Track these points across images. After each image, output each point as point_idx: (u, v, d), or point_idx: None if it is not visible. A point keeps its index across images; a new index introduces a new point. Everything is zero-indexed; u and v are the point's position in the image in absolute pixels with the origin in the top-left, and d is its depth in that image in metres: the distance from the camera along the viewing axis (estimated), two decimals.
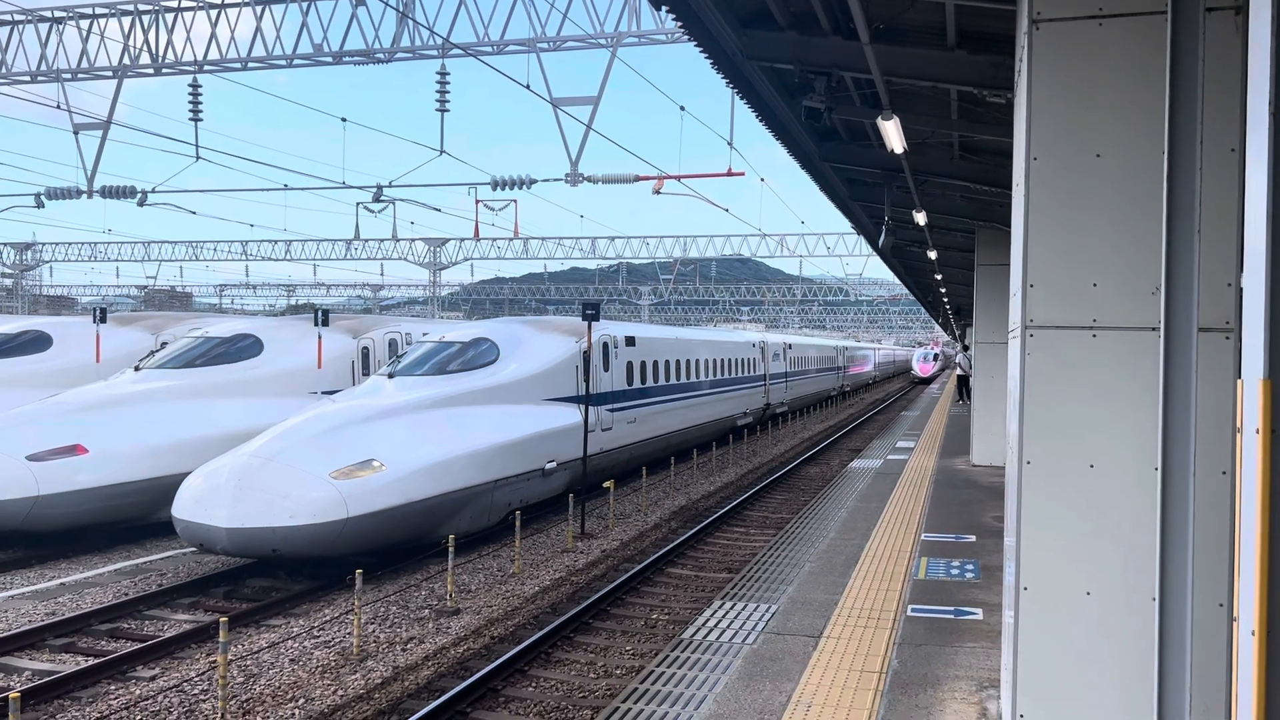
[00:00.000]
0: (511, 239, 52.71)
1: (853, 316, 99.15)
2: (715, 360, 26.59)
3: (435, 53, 19.98)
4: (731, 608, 8.68)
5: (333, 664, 9.04)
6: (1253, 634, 2.63)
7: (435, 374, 15.03)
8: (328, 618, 10.39)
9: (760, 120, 9.91)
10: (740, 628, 8.07)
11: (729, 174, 20.14)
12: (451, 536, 11.49)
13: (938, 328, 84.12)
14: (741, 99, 9.23)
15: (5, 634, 9.79)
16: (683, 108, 19.25)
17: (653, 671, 7.19)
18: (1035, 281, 4.40)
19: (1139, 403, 4.25)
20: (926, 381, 71.35)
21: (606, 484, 16.43)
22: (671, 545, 13.70)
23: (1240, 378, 2.77)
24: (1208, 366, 4.10)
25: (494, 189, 23.30)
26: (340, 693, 8.35)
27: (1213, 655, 4.04)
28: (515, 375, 15.85)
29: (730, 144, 18.20)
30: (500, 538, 14.39)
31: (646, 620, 10.66)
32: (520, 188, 23.14)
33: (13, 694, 6.72)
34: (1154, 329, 4.21)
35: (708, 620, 8.32)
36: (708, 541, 14.58)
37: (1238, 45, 3.99)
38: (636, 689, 6.86)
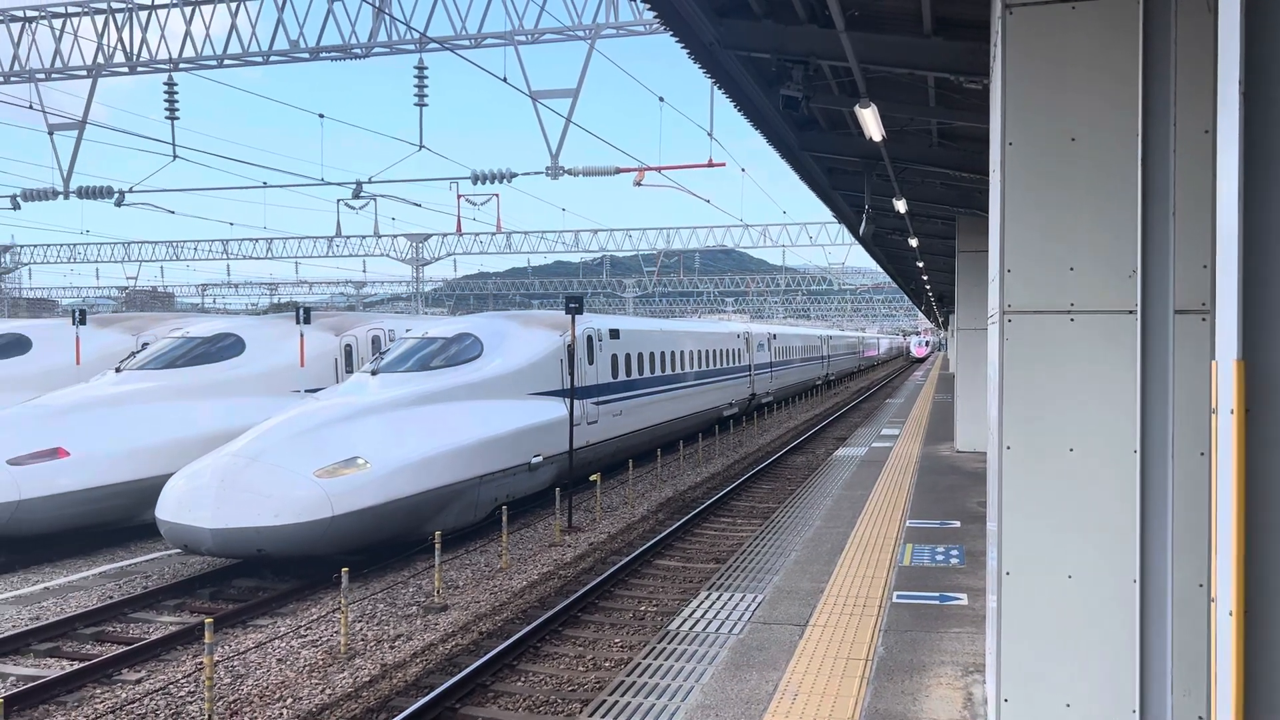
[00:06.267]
0: (494, 234, 52.59)
1: (836, 305, 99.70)
2: (700, 352, 26.59)
3: (412, 47, 19.88)
4: (718, 598, 8.69)
5: (320, 663, 9.01)
6: (1230, 614, 2.64)
7: (419, 370, 14.97)
8: (314, 617, 10.35)
9: (739, 110, 9.89)
10: (727, 618, 8.08)
11: (709, 165, 20.14)
12: (438, 533, 11.46)
13: (921, 315, 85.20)
14: (719, 89, 9.20)
15: None
16: (662, 99, 19.21)
17: (640, 664, 7.20)
18: (1012, 266, 4.40)
19: (1117, 386, 4.26)
20: (920, 361, 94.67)
21: (593, 477, 16.42)
22: (659, 537, 13.70)
23: (1215, 359, 2.77)
24: (1184, 348, 4.12)
25: (475, 183, 23.24)
26: (328, 692, 8.32)
27: (1193, 636, 4.06)
28: (499, 370, 15.81)
29: (710, 135, 18.17)
30: (487, 533, 14.37)
31: (634, 612, 10.66)
32: (501, 181, 23.07)
33: None
34: (1131, 312, 4.22)
35: (695, 611, 8.33)
36: (695, 532, 14.59)
37: (1209, 27, 4.00)
38: (624, 681, 6.86)
